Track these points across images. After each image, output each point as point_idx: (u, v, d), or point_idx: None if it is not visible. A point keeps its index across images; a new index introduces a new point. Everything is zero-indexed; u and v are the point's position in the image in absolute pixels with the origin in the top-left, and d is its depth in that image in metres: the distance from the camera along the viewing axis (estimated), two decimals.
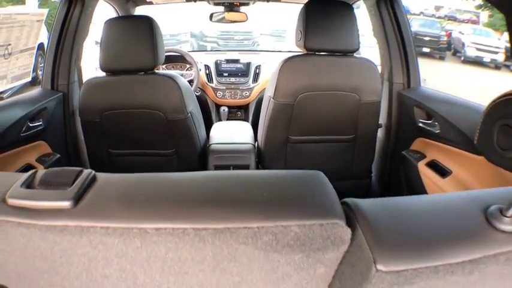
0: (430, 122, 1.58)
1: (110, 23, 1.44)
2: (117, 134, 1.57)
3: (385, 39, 1.79)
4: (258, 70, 2.61)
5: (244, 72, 2.61)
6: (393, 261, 0.45)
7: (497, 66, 10.00)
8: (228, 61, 2.65)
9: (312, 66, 1.51)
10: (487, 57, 10.05)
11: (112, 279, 0.53)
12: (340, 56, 1.52)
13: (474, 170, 1.35)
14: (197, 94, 2.43)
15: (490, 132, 0.48)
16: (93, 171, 0.55)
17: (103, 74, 1.50)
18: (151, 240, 0.47)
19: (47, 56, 1.74)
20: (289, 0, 2.66)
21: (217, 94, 2.58)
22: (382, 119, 1.85)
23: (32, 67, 3.56)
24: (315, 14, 1.46)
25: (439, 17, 13.28)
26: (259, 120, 1.72)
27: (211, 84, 2.59)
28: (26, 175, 0.56)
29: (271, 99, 1.54)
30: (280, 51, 3.07)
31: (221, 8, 2.47)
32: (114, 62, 1.43)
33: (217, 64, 2.63)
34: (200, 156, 1.67)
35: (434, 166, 1.55)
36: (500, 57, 9.90)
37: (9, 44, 2.86)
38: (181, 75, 2.19)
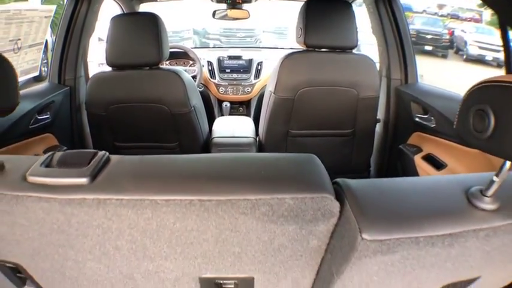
0: (426, 116, 1.63)
1: (116, 20, 1.49)
2: (122, 127, 1.61)
3: (383, 36, 1.83)
4: (259, 66, 2.65)
5: (246, 68, 2.66)
6: (377, 231, 0.50)
7: (499, 65, 9.96)
8: (230, 57, 2.69)
9: (311, 62, 1.55)
10: (489, 56, 10.03)
11: (123, 251, 0.58)
12: (339, 52, 1.56)
13: (468, 162, 1.40)
14: (200, 90, 2.48)
15: (467, 117, 0.53)
16: (107, 153, 0.60)
17: (107, 69, 1.54)
18: (161, 211, 0.52)
19: (55, 51, 1.79)
20: None
21: (220, 90, 2.63)
22: (381, 114, 1.89)
23: (40, 62, 3.62)
24: (314, 12, 1.50)
25: (441, 15, 13.22)
26: (261, 115, 1.77)
27: (213, 80, 2.63)
28: (44, 156, 0.61)
29: (272, 94, 1.58)
30: (282, 48, 3.12)
31: (224, 6, 2.51)
32: (120, 57, 1.47)
33: (219, 60, 2.67)
34: (203, 149, 1.72)
35: (430, 159, 1.59)
36: (503, 56, 9.84)
37: (19, 39, 2.92)
38: (185, 71, 2.24)
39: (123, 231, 0.55)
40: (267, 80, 2.04)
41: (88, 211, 0.53)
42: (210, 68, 2.65)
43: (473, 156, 1.36)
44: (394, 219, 0.52)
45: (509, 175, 0.64)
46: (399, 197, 0.57)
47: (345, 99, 1.59)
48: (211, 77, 2.64)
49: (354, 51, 1.61)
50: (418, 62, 1.87)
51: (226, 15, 2.52)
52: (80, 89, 1.85)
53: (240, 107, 2.76)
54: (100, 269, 0.65)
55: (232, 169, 0.59)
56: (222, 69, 2.65)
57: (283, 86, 1.55)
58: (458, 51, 11.04)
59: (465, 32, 10.90)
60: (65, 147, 1.73)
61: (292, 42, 2.27)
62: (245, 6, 2.50)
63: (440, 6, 13.67)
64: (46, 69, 3.91)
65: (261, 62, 2.67)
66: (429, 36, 10.58)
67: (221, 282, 0.68)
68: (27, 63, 3.11)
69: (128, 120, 1.58)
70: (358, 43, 1.58)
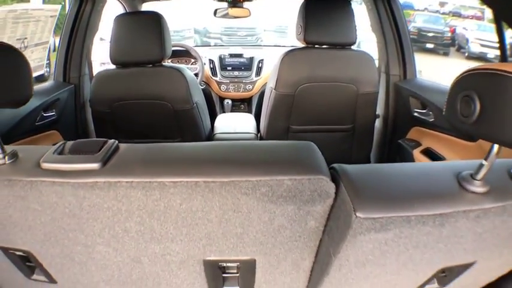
0: (424, 111, 1.65)
1: (120, 19, 1.52)
2: (126, 123, 1.65)
3: (382, 33, 1.86)
4: (260, 64, 2.69)
5: (247, 66, 2.69)
6: (370, 210, 0.53)
7: None
8: (231, 55, 2.72)
9: (311, 58, 1.58)
10: (491, 53, 10.02)
11: (131, 233, 0.61)
12: (339, 49, 1.59)
13: (466, 155, 1.42)
14: (202, 87, 2.51)
15: (454, 103, 0.56)
16: (116, 141, 0.64)
17: (111, 67, 1.57)
18: (168, 192, 0.55)
19: (60, 49, 1.83)
20: None
21: (221, 87, 2.66)
22: (380, 110, 1.92)
23: (45, 60, 3.68)
24: (314, 9, 1.53)
25: (443, 13, 13.20)
26: (262, 111, 1.80)
27: (215, 78, 2.67)
28: (56, 146, 0.64)
29: (273, 90, 1.61)
30: (283, 46, 3.15)
31: (225, 4, 2.54)
32: (124, 55, 1.50)
33: (221, 58, 2.71)
34: None
35: (428, 153, 1.62)
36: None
37: (26, 38, 2.97)
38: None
39: (132, 213, 0.58)
40: (267, 78, 2.07)
41: (100, 194, 0.56)
42: (211, 66, 2.69)
43: (470, 150, 1.39)
44: (386, 199, 0.55)
45: (500, 162, 0.67)
46: (392, 180, 0.61)
47: (345, 95, 1.62)
48: (212, 75, 2.68)
49: (354, 47, 1.64)
50: (420, 59, 1.90)
51: (228, 13, 2.54)
52: (84, 87, 1.89)
53: (241, 104, 2.79)
54: (108, 253, 0.68)
55: (235, 154, 0.63)
56: (224, 67, 2.69)
57: (284, 82, 1.58)
58: (460, 49, 11.02)
59: (467, 30, 10.89)
60: None
61: (292, 40, 2.29)
62: (246, 4, 2.53)
63: (442, 4, 13.64)
64: (47, 69, 3.96)
65: (262, 60, 2.70)
66: (431, 34, 10.57)
67: (224, 265, 0.71)
68: (33, 62, 3.17)
69: (131, 117, 1.61)
70: (358, 40, 1.60)
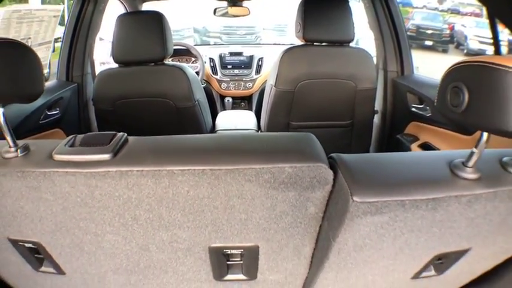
0: (422, 106, 1.69)
1: (122, 18, 1.54)
2: (129, 121, 1.67)
3: (379, 30, 1.89)
4: (260, 62, 2.72)
5: (247, 64, 2.72)
6: (366, 194, 0.57)
7: None
8: (231, 54, 2.75)
9: (310, 55, 1.61)
10: (489, 50, 10.04)
11: (141, 221, 0.65)
12: (337, 46, 1.62)
13: (461, 148, 1.45)
14: (203, 86, 2.54)
15: (444, 94, 0.59)
16: (125, 134, 0.67)
17: (112, 66, 1.60)
18: (177, 179, 0.59)
19: (63, 49, 1.86)
20: None
21: (222, 85, 2.69)
22: (378, 105, 1.95)
23: (48, 60, 3.72)
24: (312, 7, 1.56)
25: (442, 10, 13.22)
26: (262, 108, 1.83)
27: (215, 76, 2.70)
28: (67, 139, 0.68)
29: (273, 87, 1.64)
30: (283, 44, 3.17)
31: (224, 3, 2.56)
32: (127, 54, 1.53)
33: (221, 57, 2.74)
34: None
35: (426, 147, 1.65)
36: (504, 50, 9.85)
37: (29, 38, 3.01)
38: None
39: (141, 201, 0.61)
40: (267, 76, 2.10)
41: (111, 182, 0.60)
42: (212, 65, 2.72)
43: (466, 143, 1.42)
44: (382, 185, 0.59)
45: (491, 151, 0.71)
46: (387, 167, 0.64)
47: (344, 91, 1.65)
48: (213, 73, 2.71)
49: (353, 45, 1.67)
50: (419, 57, 1.93)
51: (227, 12, 2.57)
52: (87, 86, 1.92)
53: (241, 102, 2.82)
54: (118, 241, 0.71)
55: (239, 144, 0.67)
56: (224, 66, 2.72)
57: (284, 79, 1.61)
58: (458, 45, 11.04)
59: (465, 27, 10.91)
60: None
61: (291, 38, 2.32)
62: (245, 3, 2.56)
63: (441, 1, 13.67)
64: (48, 70, 3.98)
65: (262, 58, 2.73)
66: (429, 31, 10.59)
67: (229, 252, 0.74)
68: None
69: (134, 115, 1.64)
70: (356, 38, 1.63)
